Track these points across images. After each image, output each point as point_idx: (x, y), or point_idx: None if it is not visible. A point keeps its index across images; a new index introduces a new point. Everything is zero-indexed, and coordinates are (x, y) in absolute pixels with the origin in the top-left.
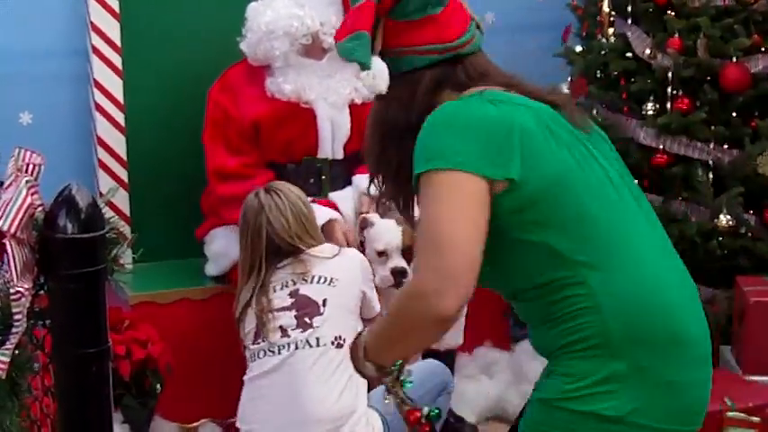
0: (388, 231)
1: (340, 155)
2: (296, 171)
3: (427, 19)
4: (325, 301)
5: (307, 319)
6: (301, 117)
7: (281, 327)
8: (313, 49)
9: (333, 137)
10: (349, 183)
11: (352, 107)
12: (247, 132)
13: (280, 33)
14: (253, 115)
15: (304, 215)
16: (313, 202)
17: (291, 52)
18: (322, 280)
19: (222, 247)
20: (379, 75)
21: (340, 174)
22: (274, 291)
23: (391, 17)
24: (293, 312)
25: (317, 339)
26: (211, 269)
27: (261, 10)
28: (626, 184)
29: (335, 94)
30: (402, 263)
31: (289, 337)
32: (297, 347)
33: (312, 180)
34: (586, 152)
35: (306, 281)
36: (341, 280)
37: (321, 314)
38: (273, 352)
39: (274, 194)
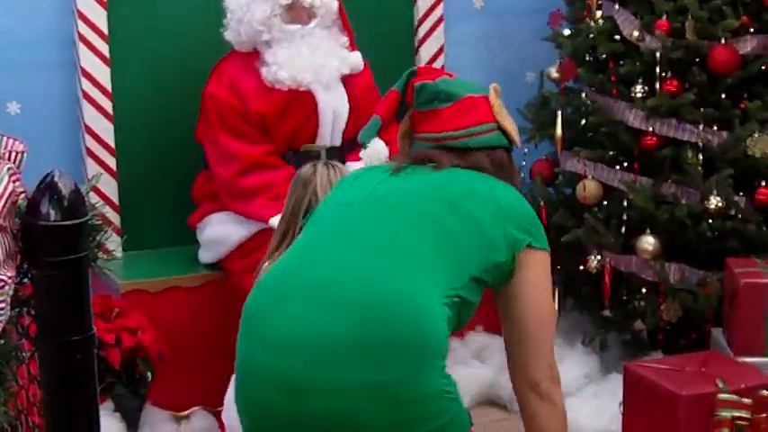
0: None
1: (338, 142)
2: (294, 159)
3: (434, 111)
4: None
5: None
6: (303, 104)
7: None
8: (296, 13)
9: (333, 124)
10: None
11: (347, 88)
12: (256, 123)
13: None
14: (256, 108)
15: None
16: None
17: (274, 19)
18: None
19: (219, 233)
20: (372, 155)
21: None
22: None
23: (415, 107)
24: None
25: None
26: (206, 256)
27: None
28: (391, 206)
29: (327, 73)
30: None
31: None
32: None
33: None
34: (367, 185)
35: None
36: None
37: None
38: None
39: (331, 168)
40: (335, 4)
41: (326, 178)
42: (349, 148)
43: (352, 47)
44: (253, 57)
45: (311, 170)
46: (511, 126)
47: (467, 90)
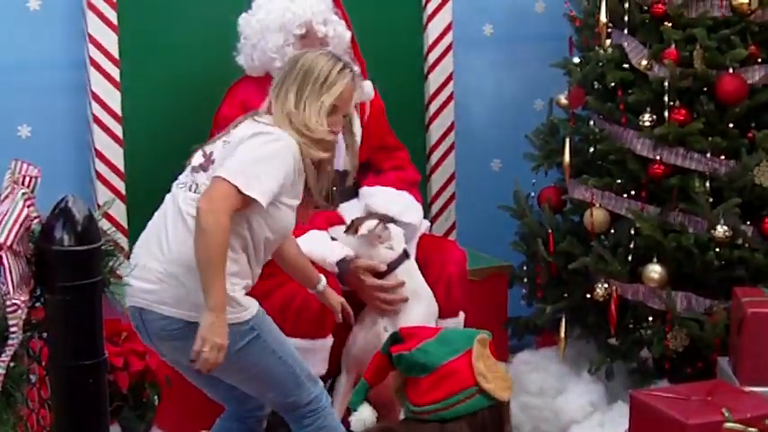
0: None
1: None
2: None
3: (414, 380)
4: (211, 154)
5: (202, 167)
6: None
7: (192, 162)
8: (309, 42)
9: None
10: (357, 193)
11: (359, 113)
12: None
13: (274, 27)
14: None
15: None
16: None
17: (287, 47)
18: (224, 137)
19: None
20: (358, 423)
21: (352, 186)
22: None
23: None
24: (202, 157)
25: (197, 186)
26: None
27: (250, 16)
28: None
29: None
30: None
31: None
32: (183, 186)
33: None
34: None
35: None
36: (231, 145)
37: (206, 171)
38: (177, 181)
39: (338, 63)
40: (348, 35)
41: (323, 64)
42: (362, 171)
43: (363, 75)
44: (265, 80)
45: (316, 52)
46: (493, 384)
47: (447, 354)
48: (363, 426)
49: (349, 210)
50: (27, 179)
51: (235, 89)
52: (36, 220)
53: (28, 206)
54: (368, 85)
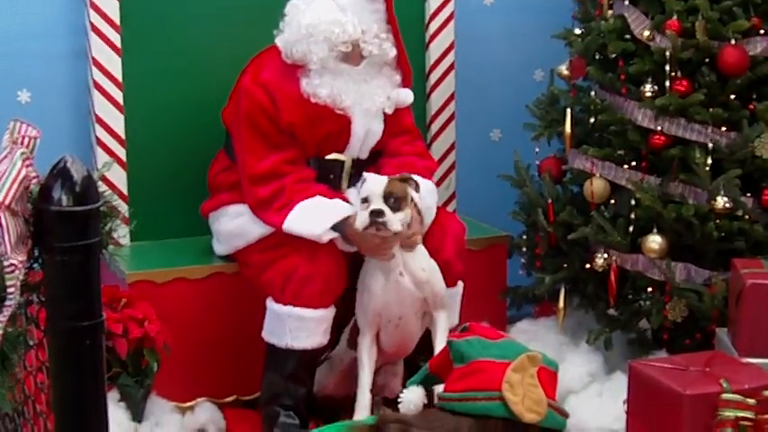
0: (372, 182)
1: (365, 156)
2: (319, 166)
3: (453, 369)
4: None
5: None
6: (336, 121)
7: None
8: (352, 56)
9: (363, 142)
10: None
11: (385, 116)
12: (286, 130)
13: (320, 38)
14: (288, 117)
15: None
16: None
17: (330, 57)
18: None
19: (236, 226)
20: (406, 402)
21: (360, 171)
22: None
23: None
24: None
25: None
26: (219, 249)
27: (302, 8)
28: None
29: (370, 101)
30: (379, 205)
31: None
32: None
33: (332, 176)
34: None
35: None
36: None
37: None
38: None
39: None
40: (393, 52)
41: None
42: (374, 159)
43: (409, 84)
44: (296, 66)
45: None
46: (518, 399)
47: (490, 355)
48: (408, 406)
49: (354, 193)
50: (26, 139)
51: (262, 62)
52: (34, 180)
53: (26, 166)
54: (405, 94)
